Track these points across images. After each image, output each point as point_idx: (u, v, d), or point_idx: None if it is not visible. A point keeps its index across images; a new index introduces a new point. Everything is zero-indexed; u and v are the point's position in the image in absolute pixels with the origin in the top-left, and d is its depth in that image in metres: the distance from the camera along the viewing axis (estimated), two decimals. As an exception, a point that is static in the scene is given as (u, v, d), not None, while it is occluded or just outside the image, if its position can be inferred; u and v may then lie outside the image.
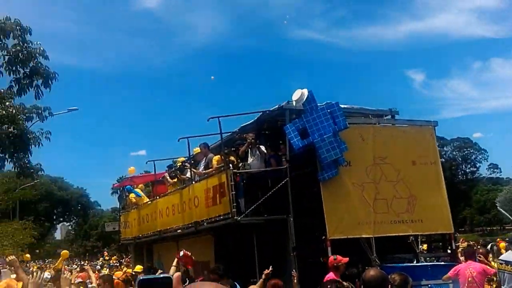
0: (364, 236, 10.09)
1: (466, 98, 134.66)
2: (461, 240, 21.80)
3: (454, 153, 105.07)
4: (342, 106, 10.42)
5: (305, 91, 10.09)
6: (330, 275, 8.06)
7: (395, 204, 10.52)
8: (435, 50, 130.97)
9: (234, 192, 10.91)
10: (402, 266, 9.54)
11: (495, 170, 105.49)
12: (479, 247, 13.00)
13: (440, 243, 12.25)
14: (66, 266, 24.62)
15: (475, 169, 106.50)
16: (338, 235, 9.93)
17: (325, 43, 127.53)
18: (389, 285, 4.36)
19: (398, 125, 11.40)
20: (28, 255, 16.67)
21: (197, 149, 13.62)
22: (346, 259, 8.41)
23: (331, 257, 8.37)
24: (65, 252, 16.06)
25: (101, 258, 37.16)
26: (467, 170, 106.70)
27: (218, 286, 1.61)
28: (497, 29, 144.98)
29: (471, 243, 18.06)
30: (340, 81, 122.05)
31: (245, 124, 12.04)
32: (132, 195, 18.07)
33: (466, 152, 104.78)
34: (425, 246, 12.97)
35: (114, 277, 11.20)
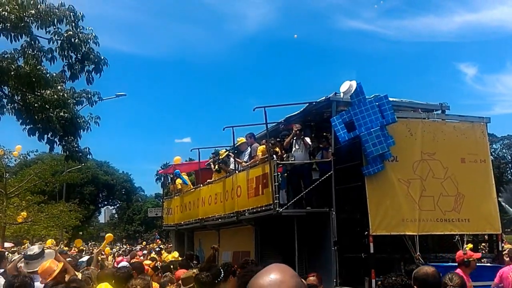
0: (408, 233, 9.89)
1: None
2: (504, 242, 21.11)
3: (504, 151, 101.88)
4: (391, 99, 10.20)
5: (354, 83, 9.93)
6: (458, 272, 7.86)
7: (442, 202, 10.26)
8: (489, 43, 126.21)
9: (277, 184, 10.88)
10: (446, 265, 9.30)
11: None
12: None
13: (487, 244, 11.90)
14: (109, 249, 25.24)
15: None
16: (381, 231, 9.77)
17: (374, 34, 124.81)
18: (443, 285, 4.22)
19: (448, 121, 11.06)
20: (79, 240, 17.11)
21: (241, 139, 13.65)
22: (478, 255, 8.21)
23: (460, 252, 8.10)
24: (109, 235, 16.38)
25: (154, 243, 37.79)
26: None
27: (281, 271, 1.57)
28: None
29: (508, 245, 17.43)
30: (389, 73, 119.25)
31: (290, 115, 11.98)
32: (179, 181, 18.25)
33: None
34: (470, 246, 12.61)
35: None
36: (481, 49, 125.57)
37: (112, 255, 22.88)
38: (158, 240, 42.71)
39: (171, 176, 19.86)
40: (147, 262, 10.62)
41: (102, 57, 10.11)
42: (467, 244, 11.50)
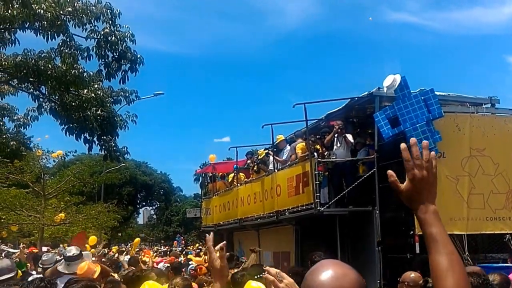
0: (456, 232, 9.45)
1: None
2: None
3: None
4: (437, 93, 9.77)
5: (398, 77, 9.56)
6: None
7: (492, 199, 9.79)
8: None
9: (318, 182, 10.61)
10: (497, 266, 8.85)
11: None
12: None
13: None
14: (146, 249, 25.35)
15: None
16: None
17: (420, 26, 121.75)
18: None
19: (498, 115, 10.56)
20: (138, 239, 17.28)
21: (280, 137, 13.41)
22: None
23: None
24: (137, 240, 16.69)
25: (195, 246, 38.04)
26: None
27: (339, 265, 1.54)
28: None
29: None
30: (435, 67, 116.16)
31: (332, 111, 11.70)
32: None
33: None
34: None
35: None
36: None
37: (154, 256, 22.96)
38: (175, 242, 42.91)
39: (210, 175, 19.76)
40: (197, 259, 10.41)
41: (139, 56, 10.06)
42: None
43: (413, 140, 1.66)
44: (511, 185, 9.91)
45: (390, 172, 1.71)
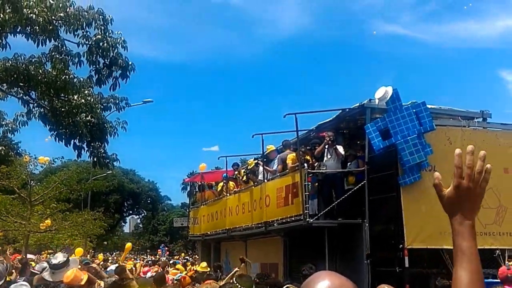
0: (446, 247, 9.43)
1: None
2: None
3: None
4: (429, 106, 9.80)
5: (390, 89, 9.56)
6: None
7: (482, 214, 9.72)
8: None
9: (307, 193, 10.56)
10: (486, 282, 8.79)
11: None
12: None
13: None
14: (133, 259, 25.10)
15: None
16: (417, 245, 9.33)
17: (412, 39, 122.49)
18: None
19: (490, 129, 10.59)
20: (129, 244, 17.00)
21: (270, 147, 13.35)
22: None
23: (503, 268, 7.68)
24: (129, 245, 16.30)
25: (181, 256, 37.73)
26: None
27: (336, 275, 1.53)
28: None
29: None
30: (427, 80, 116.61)
31: (322, 122, 11.66)
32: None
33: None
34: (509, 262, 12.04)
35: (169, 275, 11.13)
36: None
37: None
38: (159, 251, 42.62)
39: (198, 184, 19.63)
40: (175, 270, 10.35)
41: (130, 63, 9.97)
42: (508, 259, 10.97)
43: (470, 147, 1.59)
44: (502, 200, 9.91)
45: (437, 174, 1.64)
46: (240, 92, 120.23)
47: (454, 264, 1.57)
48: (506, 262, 10.53)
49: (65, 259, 6.58)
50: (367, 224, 9.96)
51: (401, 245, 9.32)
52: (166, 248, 46.95)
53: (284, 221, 11.52)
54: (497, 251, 10.09)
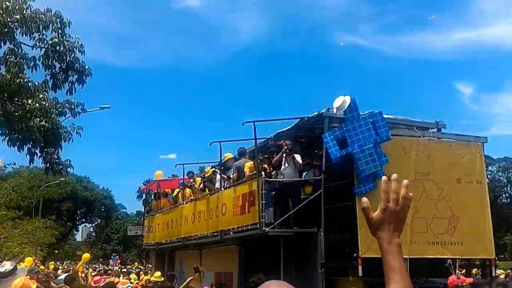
0: (399, 256, 9.54)
1: None
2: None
3: (500, 173, 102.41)
4: (386, 116, 9.93)
5: (348, 99, 9.65)
6: None
7: (435, 224, 9.96)
8: (488, 62, 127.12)
9: (264, 202, 10.51)
10: (437, 290, 9.04)
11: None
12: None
13: (479, 269, 11.61)
14: (84, 269, 24.46)
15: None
16: (371, 254, 9.38)
17: (371, 49, 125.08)
18: None
19: (444, 140, 10.83)
20: (87, 254, 16.40)
21: (228, 155, 13.28)
22: (470, 280, 7.91)
23: (453, 277, 7.79)
24: (86, 255, 15.77)
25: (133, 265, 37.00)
26: (511, 193, 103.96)
27: (285, 285, 1.61)
28: None
29: (506, 271, 17.23)
30: (384, 90, 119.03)
31: (281, 130, 11.68)
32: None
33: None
34: (462, 271, 12.32)
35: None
36: (479, 68, 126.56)
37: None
38: (111, 261, 41.90)
39: (154, 192, 19.33)
40: (125, 280, 10.12)
41: (87, 67, 9.75)
42: (459, 268, 11.21)
43: (394, 175, 1.69)
44: (454, 210, 10.11)
45: (364, 199, 1.76)
46: (199, 99, 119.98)
47: (387, 282, 1.65)
48: (457, 271, 10.79)
49: (12, 267, 6.33)
50: (322, 233, 9.98)
51: (355, 254, 9.38)
52: (117, 257, 46.10)
53: (240, 230, 11.44)
54: (449, 260, 10.29)
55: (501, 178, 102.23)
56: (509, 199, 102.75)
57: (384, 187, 1.70)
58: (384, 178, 1.73)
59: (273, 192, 11.34)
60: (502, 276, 11.06)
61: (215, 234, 12.67)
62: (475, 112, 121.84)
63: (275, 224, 10.64)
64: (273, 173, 11.32)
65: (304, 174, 11.23)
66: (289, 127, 11.40)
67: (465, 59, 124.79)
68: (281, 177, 11.13)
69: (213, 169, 14.18)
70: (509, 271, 16.32)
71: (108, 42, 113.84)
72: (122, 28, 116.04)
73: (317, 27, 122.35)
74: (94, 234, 78.83)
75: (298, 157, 11.09)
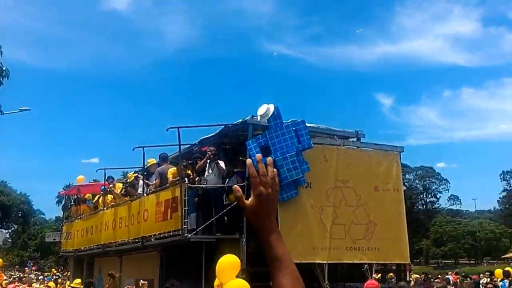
0: (317, 261, 9.75)
1: (433, 126, 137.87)
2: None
3: (416, 181, 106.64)
4: (308, 124, 10.11)
5: (271, 107, 9.74)
6: None
7: (353, 230, 10.23)
8: (407, 75, 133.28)
9: (187, 208, 10.40)
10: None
11: (456, 202, 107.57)
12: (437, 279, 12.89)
13: (394, 274, 12.03)
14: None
15: (435, 199, 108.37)
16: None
17: (295, 59, 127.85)
18: None
19: (363, 149, 11.17)
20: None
21: (151, 160, 13.04)
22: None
23: (372, 280, 7.95)
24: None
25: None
26: (427, 200, 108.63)
27: None
28: (469, 57, 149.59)
29: (420, 276, 17.96)
30: (308, 99, 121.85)
31: (205, 137, 11.58)
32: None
33: (428, 181, 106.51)
34: (379, 276, 12.73)
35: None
36: (398, 81, 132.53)
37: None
38: (26, 268, 40.36)
39: (74, 197, 18.66)
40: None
41: (4, 68, 9.30)
42: (376, 273, 11.58)
43: (258, 156, 1.64)
44: (371, 217, 10.42)
45: (236, 187, 1.71)
46: (124, 103, 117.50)
47: (272, 273, 1.61)
48: (373, 275, 11.14)
49: None
50: (244, 239, 9.98)
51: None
52: (32, 264, 44.18)
53: (162, 236, 11.25)
54: (366, 265, 10.60)
55: (418, 185, 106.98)
56: (424, 206, 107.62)
57: (252, 172, 1.62)
58: (249, 161, 1.67)
59: (196, 199, 11.24)
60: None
61: (136, 240, 12.40)
62: (394, 123, 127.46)
63: (197, 230, 10.54)
64: (196, 179, 11.22)
65: (227, 180, 11.20)
66: (213, 134, 11.34)
67: (386, 72, 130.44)
68: (205, 183, 11.05)
69: (136, 174, 13.88)
70: (423, 275, 17.03)
71: (30, 43, 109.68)
72: (44, 28, 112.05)
73: (244, 35, 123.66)
74: (10, 241, 75.16)
75: (222, 164, 11.06)
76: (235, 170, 11.26)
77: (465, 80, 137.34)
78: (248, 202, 1.65)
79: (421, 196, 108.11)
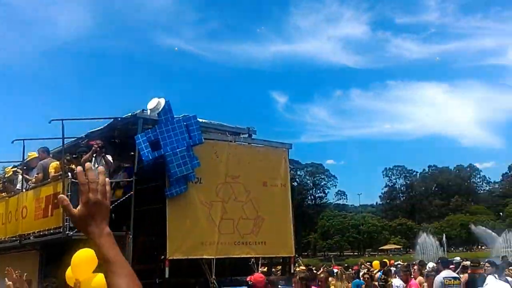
0: (205, 257, 9.76)
1: (324, 125, 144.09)
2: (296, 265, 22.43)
3: (307, 177, 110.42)
4: (200, 120, 10.09)
5: (162, 101, 9.57)
6: None
7: (241, 225, 10.37)
8: (301, 74, 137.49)
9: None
10: (238, 288, 9.44)
11: (342, 197, 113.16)
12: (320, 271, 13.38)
13: (281, 267, 12.32)
14: None
15: (323, 195, 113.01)
16: (178, 255, 9.45)
17: (193, 54, 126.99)
18: None
19: (254, 145, 11.34)
20: None
21: (32, 154, 12.26)
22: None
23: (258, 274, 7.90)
24: None
25: None
26: (316, 195, 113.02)
27: None
28: (358, 59, 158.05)
29: (302, 267, 18.56)
30: (204, 95, 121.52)
31: (93, 130, 11.10)
32: None
33: (317, 177, 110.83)
34: (265, 269, 12.96)
35: None
36: (292, 79, 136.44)
37: None
38: None
39: None
40: None
41: None
42: (262, 266, 11.81)
43: (88, 165, 1.66)
44: (259, 212, 10.62)
45: (62, 196, 1.69)
46: (5, 93, 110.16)
47: (106, 276, 1.61)
48: (260, 269, 11.35)
49: None
50: (131, 236, 9.72)
51: (163, 256, 9.32)
52: None
53: (41, 234, 10.64)
54: (253, 259, 10.77)
55: (308, 181, 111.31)
56: (314, 201, 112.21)
57: (80, 179, 1.62)
58: (79, 168, 1.65)
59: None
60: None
61: (14, 238, 11.63)
62: (288, 120, 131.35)
63: (80, 227, 10.08)
64: (81, 174, 10.72)
65: (113, 176, 10.83)
66: (102, 127, 10.91)
67: (281, 70, 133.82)
68: (91, 178, 10.58)
69: (14, 169, 13.00)
70: (305, 268, 17.61)
71: None
72: None
73: (141, 27, 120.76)
74: None
75: (109, 158, 10.66)
76: (124, 165, 10.93)
77: (354, 81, 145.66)
78: (76, 210, 1.64)
79: (311, 191, 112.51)
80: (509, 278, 9.40)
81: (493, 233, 61.93)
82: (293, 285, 7.27)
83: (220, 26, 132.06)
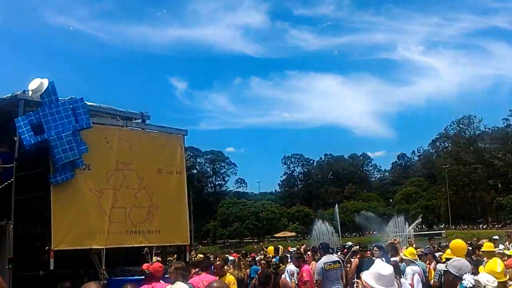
0: (94, 247, 9.31)
1: (224, 112, 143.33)
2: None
3: (207, 165, 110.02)
4: (88, 103, 9.54)
5: (45, 81, 8.89)
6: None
7: (134, 213, 10.00)
8: (200, 60, 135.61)
9: None
10: (132, 278, 9.04)
11: (242, 184, 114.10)
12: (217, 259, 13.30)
13: (176, 255, 12.09)
14: None
15: (223, 182, 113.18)
16: (64, 246, 8.92)
17: (85, 34, 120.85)
18: None
19: (147, 130, 10.94)
20: None
21: None
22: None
23: (146, 264, 7.44)
24: None
25: None
26: (216, 183, 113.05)
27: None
28: (257, 48, 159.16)
29: (198, 255, 18.55)
30: (93, 77, 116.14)
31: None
32: None
33: (217, 165, 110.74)
34: (155, 258, 12.65)
35: None
36: (192, 65, 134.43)
37: None
38: None
39: None
40: None
41: None
42: (155, 255, 11.50)
43: None
44: (153, 199, 10.29)
45: None
46: None
47: None
48: (154, 258, 11.05)
49: None
50: (12, 226, 9.05)
51: (47, 247, 8.77)
52: None
53: None
54: (146, 248, 10.45)
55: (208, 169, 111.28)
56: (213, 189, 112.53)
57: None
58: None
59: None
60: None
61: None
62: (187, 107, 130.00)
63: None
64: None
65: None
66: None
67: (180, 55, 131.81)
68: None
69: None
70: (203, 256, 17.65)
71: None
72: None
73: (30, 3, 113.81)
74: None
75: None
76: (3, 150, 10.10)
77: (254, 69, 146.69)
78: None
79: (211, 179, 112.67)
80: (393, 258, 9.83)
81: (376, 217, 67.32)
82: (169, 275, 7.05)
83: (114, 6, 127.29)
